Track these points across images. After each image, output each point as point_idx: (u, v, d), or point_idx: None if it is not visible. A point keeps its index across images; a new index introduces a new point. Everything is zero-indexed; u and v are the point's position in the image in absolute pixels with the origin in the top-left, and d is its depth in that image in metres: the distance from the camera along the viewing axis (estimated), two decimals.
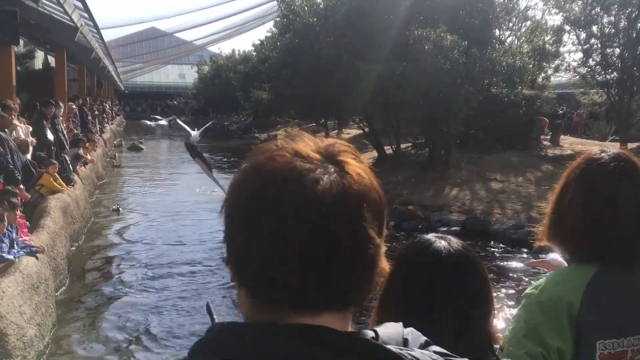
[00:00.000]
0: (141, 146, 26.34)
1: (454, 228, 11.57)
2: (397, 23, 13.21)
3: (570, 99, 27.97)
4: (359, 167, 0.76)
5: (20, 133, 8.62)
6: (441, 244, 1.33)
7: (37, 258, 6.28)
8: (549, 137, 18.76)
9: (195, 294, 7.73)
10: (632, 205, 1.53)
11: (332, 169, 0.73)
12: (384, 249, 0.78)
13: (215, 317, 1.02)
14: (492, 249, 10.37)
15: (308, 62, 13.82)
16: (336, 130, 27.89)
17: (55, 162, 10.63)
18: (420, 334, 0.84)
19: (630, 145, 16.11)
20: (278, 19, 16.78)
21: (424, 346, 0.82)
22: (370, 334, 0.76)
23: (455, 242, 1.34)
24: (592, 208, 1.54)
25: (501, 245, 10.56)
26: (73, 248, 9.40)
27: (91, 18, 12.36)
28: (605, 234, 1.52)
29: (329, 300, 0.72)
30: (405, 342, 0.80)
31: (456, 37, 12.08)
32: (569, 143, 17.72)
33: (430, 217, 12.14)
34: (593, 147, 1.73)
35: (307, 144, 0.77)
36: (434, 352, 0.79)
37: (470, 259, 1.32)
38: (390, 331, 0.80)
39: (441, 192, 13.43)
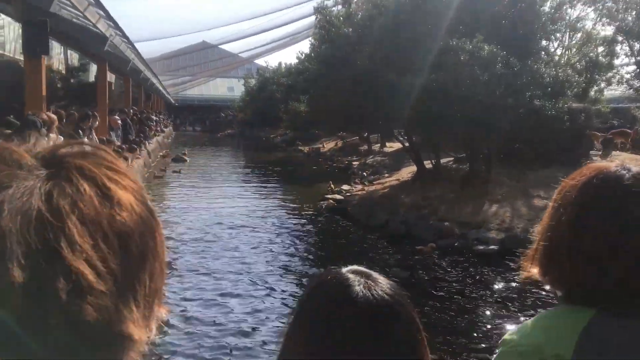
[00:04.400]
0: (184, 157, 26.67)
1: (492, 247, 11.06)
2: (437, 34, 12.82)
3: (625, 114, 26.76)
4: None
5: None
6: (359, 287, 0.96)
7: None
8: (600, 152, 17.89)
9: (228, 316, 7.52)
10: None
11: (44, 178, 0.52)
12: None
13: None
14: (515, 261, 9.78)
15: (344, 73, 13.59)
16: (379, 144, 27.58)
17: None
18: None
19: None
20: (316, 29, 16.62)
21: None
22: None
23: (382, 286, 0.98)
24: (603, 241, 1.18)
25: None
26: None
27: (117, 27, 12.52)
28: (615, 272, 1.16)
29: None
30: None
31: (495, 47, 11.59)
32: (622, 159, 16.83)
33: (468, 235, 11.63)
34: (607, 162, 1.36)
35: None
36: None
37: (395, 310, 0.96)
38: None
39: (480, 209, 12.89)
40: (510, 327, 7.08)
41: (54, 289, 0.48)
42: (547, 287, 1.34)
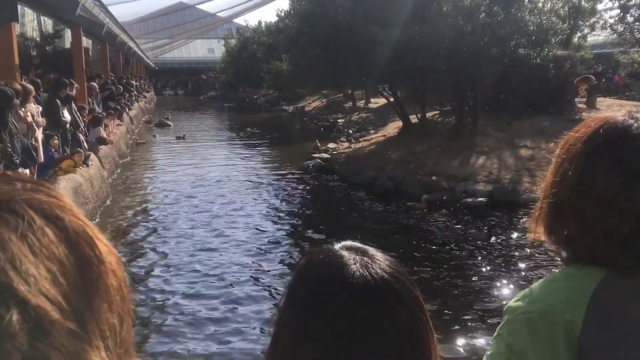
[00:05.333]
0: (168, 122, 26.34)
1: (480, 199, 11.09)
2: None
3: (609, 59, 26.69)
4: None
5: (29, 117, 8.44)
6: (355, 267, 0.86)
7: None
8: (584, 99, 17.87)
9: (221, 286, 7.42)
10: None
11: None
12: None
13: None
14: (521, 221, 9.84)
15: (324, 30, 13.31)
16: (363, 101, 27.38)
17: (81, 151, 10.61)
18: None
19: None
20: None
21: None
22: None
23: (380, 264, 0.88)
24: (613, 195, 1.10)
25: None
26: None
27: None
28: (625, 227, 1.09)
29: None
30: None
31: None
32: (607, 105, 16.80)
33: (456, 188, 11.64)
34: (614, 112, 1.26)
35: None
36: None
37: (397, 290, 0.86)
38: None
39: (467, 162, 12.88)
40: (504, 283, 7.13)
41: (10, 329, 0.39)
42: (550, 247, 1.27)
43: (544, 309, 1.12)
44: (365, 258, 0.88)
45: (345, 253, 0.89)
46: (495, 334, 1.19)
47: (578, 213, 1.15)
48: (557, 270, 1.28)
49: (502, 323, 1.19)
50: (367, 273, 0.85)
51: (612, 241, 1.11)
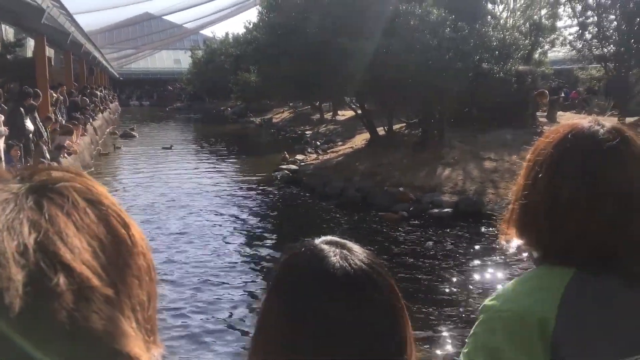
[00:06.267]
0: (133, 133, 26.01)
1: (446, 210, 11.27)
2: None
3: (568, 75, 27.49)
4: None
5: None
6: (335, 259, 0.92)
7: None
8: (545, 113, 18.36)
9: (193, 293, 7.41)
10: (627, 192, 1.16)
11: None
12: None
13: None
14: (485, 232, 10.04)
15: (293, 41, 13.40)
16: (331, 113, 27.54)
17: (44, 161, 10.39)
18: None
19: (629, 120, 15.72)
20: None
21: None
22: None
23: (358, 256, 0.94)
24: (581, 196, 1.16)
25: (494, 228, 10.22)
26: None
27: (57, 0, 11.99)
28: (593, 228, 1.15)
29: None
30: None
31: (443, 11, 11.63)
32: (566, 119, 17.27)
33: (422, 199, 11.81)
34: (580, 119, 1.33)
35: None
36: None
37: (374, 279, 0.92)
38: None
39: (434, 173, 13.09)
40: (471, 290, 7.27)
41: (57, 289, 0.44)
42: (516, 248, 1.33)
43: (517, 308, 1.16)
44: (344, 251, 0.94)
45: (325, 246, 0.94)
46: (471, 332, 1.23)
47: (548, 215, 1.20)
48: (529, 270, 1.33)
49: (477, 322, 1.23)
50: (347, 264, 0.91)
51: (582, 243, 1.16)
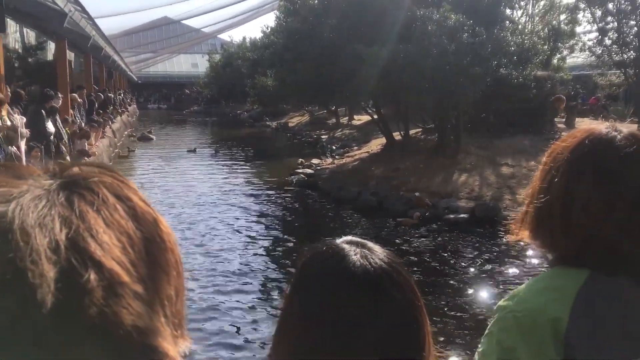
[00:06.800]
0: (150, 136, 26.23)
1: (462, 215, 11.21)
2: (402, 4, 12.75)
3: (587, 81, 27.22)
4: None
5: (8, 124, 8.38)
6: (356, 257, 0.94)
7: None
8: (564, 119, 18.22)
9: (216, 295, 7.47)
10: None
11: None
12: None
13: None
14: (501, 237, 9.97)
15: (310, 46, 13.44)
16: (347, 117, 27.56)
17: (37, 146, 10.43)
18: None
19: None
20: (282, 2, 16.35)
21: None
22: None
23: (378, 255, 0.96)
24: (596, 201, 1.18)
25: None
26: None
27: (76, 2, 12.11)
28: (606, 231, 1.16)
29: None
30: None
31: (461, 16, 11.60)
32: (584, 125, 17.13)
33: (438, 204, 11.76)
34: (598, 125, 1.35)
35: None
36: None
37: (394, 278, 0.94)
38: None
39: (450, 179, 13.04)
40: (488, 295, 7.23)
41: (88, 286, 0.45)
42: (531, 252, 1.34)
43: (531, 308, 1.18)
44: (364, 250, 0.96)
45: (346, 246, 0.96)
46: (486, 331, 1.25)
47: (563, 218, 1.21)
48: (543, 272, 1.35)
49: (492, 321, 1.25)
50: (367, 263, 0.93)
51: (595, 245, 1.18)
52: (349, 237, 1.01)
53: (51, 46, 25.87)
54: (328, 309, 0.91)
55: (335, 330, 0.90)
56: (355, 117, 26.65)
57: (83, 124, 15.80)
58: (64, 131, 12.34)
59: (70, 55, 21.38)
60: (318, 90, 14.83)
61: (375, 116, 17.08)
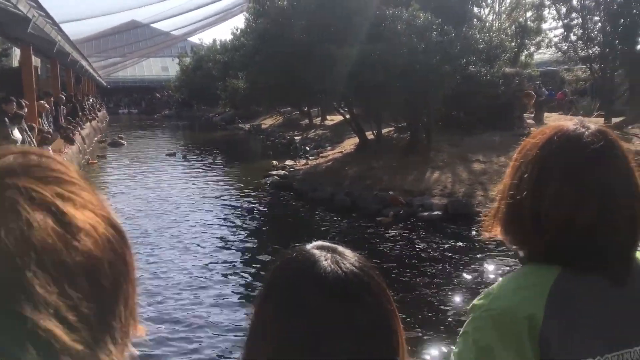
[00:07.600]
0: (121, 141, 25.90)
1: (436, 212, 11.29)
2: (371, 3, 12.80)
3: (555, 76, 27.73)
4: None
5: None
6: (327, 262, 0.93)
7: None
8: (532, 115, 18.51)
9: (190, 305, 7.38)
10: (609, 193, 1.19)
11: None
12: None
13: None
14: (474, 233, 10.07)
15: (281, 47, 13.41)
16: (320, 118, 27.59)
17: None
18: None
19: (615, 120, 15.89)
20: (251, 4, 16.29)
21: None
22: None
23: (349, 259, 0.94)
24: (565, 197, 1.18)
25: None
26: None
27: (40, 7, 11.88)
28: (577, 228, 1.17)
29: None
30: None
31: (430, 15, 11.69)
32: (553, 120, 17.44)
33: (412, 202, 11.84)
34: (566, 121, 1.36)
35: None
36: None
37: (365, 283, 0.93)
38: None
39: (423, 176, 13.13)
40: (462, 291, 7.29)
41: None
42: (503, 248, 1.34)
43: (506, 306, 1.18)
44: (335, 255, 0.94)
45: (316, 252, 0.95)
46: (462, 331, 1.25)
47: (533, 214, 1.21)
48: (516, 269, 1.35)
49: (467, 321, 1.25)
50: (338, 268, 0.92)
51: (565, 242, 1.19)
52: (320, 242, 1.00)
53: (16, 52, 25.40)
54: (299, 316, 0.90)
55: (307, 336, 0.89)
56: (328, 117, 26.71)
57: (51, 131, 15.49)
58: (32, 139, 12.08)
59: (36, 61, 21.00)
60: (290, 91, 14.80)
61: (348, 116, 17.12)
